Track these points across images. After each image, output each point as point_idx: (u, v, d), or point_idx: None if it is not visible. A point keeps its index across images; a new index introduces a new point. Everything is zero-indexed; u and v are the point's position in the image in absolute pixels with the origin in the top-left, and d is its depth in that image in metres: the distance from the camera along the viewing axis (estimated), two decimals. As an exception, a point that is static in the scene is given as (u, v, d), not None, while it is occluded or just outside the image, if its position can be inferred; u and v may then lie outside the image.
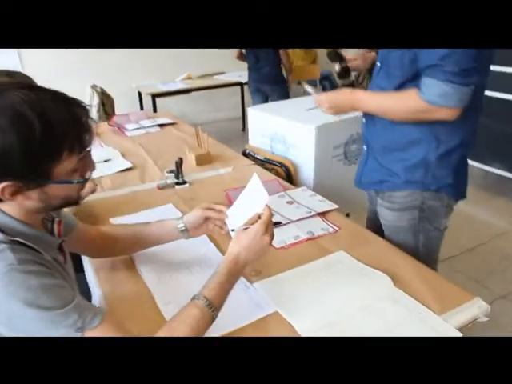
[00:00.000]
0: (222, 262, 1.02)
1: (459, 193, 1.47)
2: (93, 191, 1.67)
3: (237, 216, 1.15)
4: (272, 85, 4.28)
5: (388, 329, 1.03)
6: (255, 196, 1.11)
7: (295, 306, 1.11)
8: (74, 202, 0.95)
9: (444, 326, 1.03)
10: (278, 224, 1.12)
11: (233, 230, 1.10)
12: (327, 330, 1.03)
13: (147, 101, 4.92)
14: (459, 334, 1.00)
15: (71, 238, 1.13)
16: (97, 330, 0.84)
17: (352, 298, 1.13)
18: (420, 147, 1.37)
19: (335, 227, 1.48)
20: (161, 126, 2.85)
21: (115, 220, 1.59)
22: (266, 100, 4.37)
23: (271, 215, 1.06)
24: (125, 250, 1.31)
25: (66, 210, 1.14)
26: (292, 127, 2.18)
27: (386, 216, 1.53)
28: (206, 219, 1.21)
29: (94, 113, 4.17)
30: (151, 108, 4.67)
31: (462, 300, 1.12)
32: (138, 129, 2.77)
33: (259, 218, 1.05)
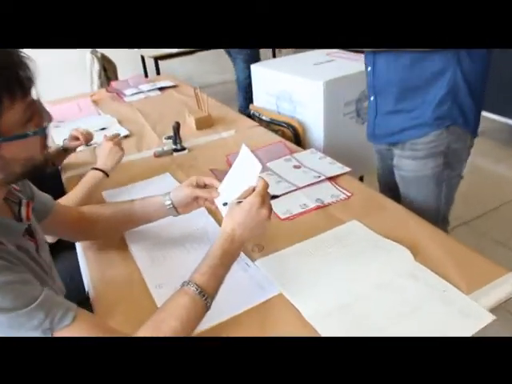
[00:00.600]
0: (215, 241, 0.89)
1: (476, 129, 1.40)
2: (87, 141, 1.59)
3: (229, 191, 1.01)
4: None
5: (408, 312, 0.89)
6: (247, 168, 0.98)
7: (302, 287, 0.98)
8: (41, 165, 0.79)
9: (473, 306, 0.89)
10: (275, 197, 0.98)
11: (225, 205, 0.96)
12: (338, 313, 0.90)
13: (150, 64, 4.72)
14: (491, 317, 0.86)
15: (48, 220, 1.01)
16: (68, 330, 0.72)
17: (366, 276, 0.99)
18: (445, 77, 1.27)
19: (347, 193, 1.33)
20: (161, 89, 2.69)
21: (107, 192, 1.47)
22: None
23: (267, 186, 0.92)
24: (108, 232, 1.18)
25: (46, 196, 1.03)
26: (298, 83, 2.00)
27: (407, 166, 1.42)
28: (195, 198, 1.07)
29: (95, 80, 4.01)
30: (155, 72, 4.48)
31: (494, 275, 0.97)
32: (136, 93, 2.62)
33: (254, 191, 0.91)
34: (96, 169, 1.39)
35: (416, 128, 1.35)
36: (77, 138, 1.61)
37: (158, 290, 1.02)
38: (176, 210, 1.09)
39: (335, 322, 0.88)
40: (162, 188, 1.22)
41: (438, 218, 1.44)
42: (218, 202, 1.04)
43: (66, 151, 1.64)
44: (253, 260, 1.08)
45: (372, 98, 1.45)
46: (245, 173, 0.98)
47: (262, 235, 0.96)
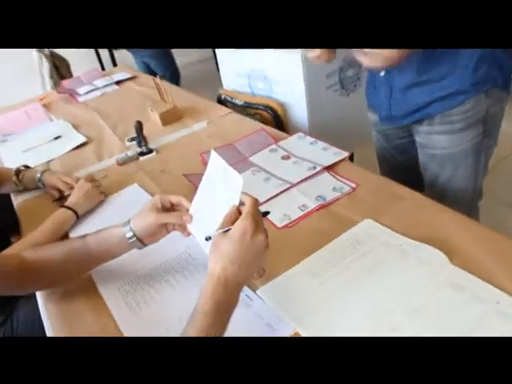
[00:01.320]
0: (201, 291, 0.67)
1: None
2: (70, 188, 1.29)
3: (203, 213, 0.80)
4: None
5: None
6: (223, 181, 0.76)
7: (321, 320, 0.77)
8: None
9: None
10: (266, 214, 0.77)
11: (208, 239, 0.73)
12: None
13: (106, 57, 4.39)
14: None
15: None
16: None
17: (398, 296, 0.79)
18: None
19: (352, 184, 1.12)
20: (119, 83, 2.42)
21: (74, 230, 1.22)
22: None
23: (257, 203, 0.70)
24: (61, 278, 0.94)
25: None
26: (272, 59, 1.76)
27: (440, 143, 1.21)
28: (162, 224, 0.86)
29: (47, 80, 3.68)
30: (111, 65, 4.16)
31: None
32: (91, 91, 2.35)
33: (239, 212, 0.70)
34: (67, 207, 1.18)
35: (448, 98, 1.13)
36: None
37: (140, 347, 0.80)
38: (141, 241, 0.87)
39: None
40: (131, 203, 1.04)
41: (474, 194, 1.27)
42: (192, 228, 0.82)
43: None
44: (254, 289, 0.87)
45: (383, 73, 1.21)
46: (220, 187, 0.76)
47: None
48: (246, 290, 0.86)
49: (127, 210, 1.21)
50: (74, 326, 0.89)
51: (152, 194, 1.26)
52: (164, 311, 0.86)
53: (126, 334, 0.83)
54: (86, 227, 1.17)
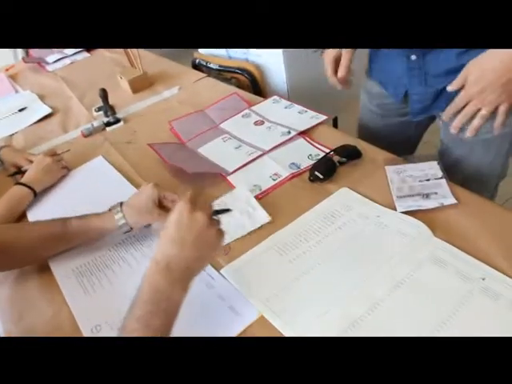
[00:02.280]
0: (142, 277, 0.60)
1: None
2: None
3: None
4: None
5: (443, 319, 0.62)
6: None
7: (290, 302, 0.70)
8: None
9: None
10: (226, 211, 0.69)
11: None
12: (348, 334, 0.63)
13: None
14: None
15: None
16: None
17: (377, 271, 0.72)
18: None
19: (326, 150, 1.03)
20: (89, 50, 2.28)
21: (32, 212, 1.13)
22: None
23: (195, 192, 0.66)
24: (26, 261, 0.87)
25: None
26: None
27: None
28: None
29: (19, 50, 3.51)
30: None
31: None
32: (60, 59, 2.21)
33: None
34: (23, 184, 1.07)
35: None
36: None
37: (95, 335, 0.73)
38: (128, 225, 0.84)
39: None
40: (95, 178, 1.04)
41: (499, 177, 1.14)
42: None
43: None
44: (218, 269, 0.79)
45: (414, 58, 1.01)
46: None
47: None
48: (209, 269, 0.79)
49: (91, 185, 1.14)
50: (25, 311, 0.81)
51: (118, 167, 1.17)
52: (120, 295, 0.78)
53: (80, 321, 0.76)
54: (47, 205, 1.09)
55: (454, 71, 0.91)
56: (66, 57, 2.23)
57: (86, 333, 0.73)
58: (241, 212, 0.89)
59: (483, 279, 0.66)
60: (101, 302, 0.79)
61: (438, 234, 0.75)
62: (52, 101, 1.73)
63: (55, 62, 2.19)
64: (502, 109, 0.86)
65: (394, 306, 0.65)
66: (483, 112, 0.87)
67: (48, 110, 1.63)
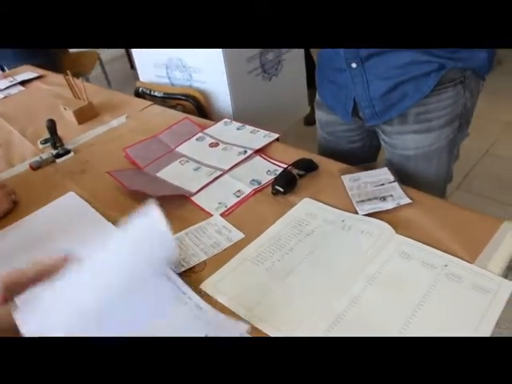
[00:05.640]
0: None
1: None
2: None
3: None
4: None
5: (414, 306, 0.68)
6: None
7: (273, 306, 0.73)
8: None
9: (486, 276, 0.71)
10: None
11: None
12: (333, 330, 0.67)
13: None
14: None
15: None
16: None
17: (351, 269, 0.77)
18: None
19: (283, 165, 1.09)
20: (24, 83, 2.23)
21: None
22: None
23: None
24: None
25: None
26: (189, 46, 1.69)
27: (417, 142, 1.14)
28: None
29: None
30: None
31: (490, 230, 0.79)
32: (-7, 94, 2.15)
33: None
34: None
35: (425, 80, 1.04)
36: None
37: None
38: None
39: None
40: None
41: (446, 181, 1.25)
42: None
43: None
44: (197, 285, 0.81)
45: (354, 66, 1.08)
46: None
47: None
48: (180, 283, 0.79)
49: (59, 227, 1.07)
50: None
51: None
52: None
53: None
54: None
55: (393, 76, 1.04)
56: (-2, 91, 2.17)
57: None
58: (218, 233, 0.91)
59: (446, 266, 0.74)
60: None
61: (399, 231, 0.82)
62: (-10, 136, 1.67)
63: (-13, 97, 2.12)
64: None
65: (372, 298, 0.71)
66: None
67: (-13, 146, 1.58)
